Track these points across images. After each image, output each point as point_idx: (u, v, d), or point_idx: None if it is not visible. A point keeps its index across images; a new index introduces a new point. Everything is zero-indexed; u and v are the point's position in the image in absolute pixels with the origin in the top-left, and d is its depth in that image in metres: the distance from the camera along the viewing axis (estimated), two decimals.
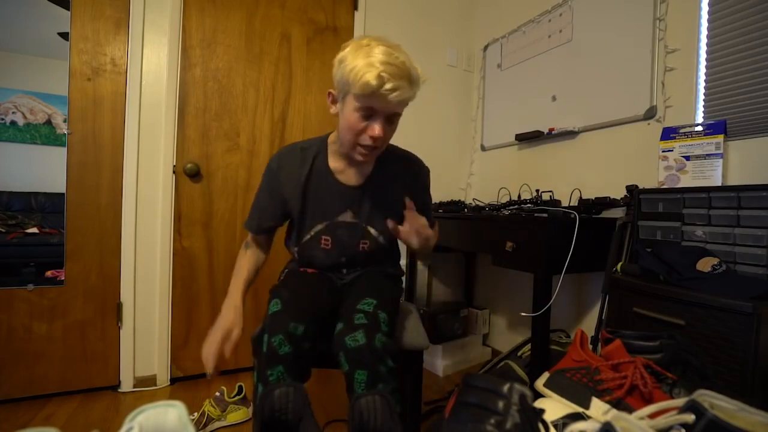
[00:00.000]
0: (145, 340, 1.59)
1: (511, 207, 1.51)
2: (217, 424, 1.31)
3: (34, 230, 2.47)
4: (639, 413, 0.44)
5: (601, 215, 1.42)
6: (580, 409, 0.60)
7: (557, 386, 0.66)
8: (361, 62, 0.78)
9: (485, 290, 2.16)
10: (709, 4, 1.21)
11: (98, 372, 1.53)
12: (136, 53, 1.53)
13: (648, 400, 0.56)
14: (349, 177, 1.01)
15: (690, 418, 0.38)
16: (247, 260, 1.04)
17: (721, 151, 1.13)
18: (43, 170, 2.69)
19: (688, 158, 1.19)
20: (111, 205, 1.53)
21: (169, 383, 1.62)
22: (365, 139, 0.86)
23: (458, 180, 2.28)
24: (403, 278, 1.25)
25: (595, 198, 1.41)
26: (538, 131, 1.78)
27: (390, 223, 0.90)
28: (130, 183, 1.54)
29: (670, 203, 1.14)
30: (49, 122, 2.72)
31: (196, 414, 1.31)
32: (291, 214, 1.03)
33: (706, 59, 1.22)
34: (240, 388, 1.39)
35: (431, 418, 1.37)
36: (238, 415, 1.35)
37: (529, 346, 1.46)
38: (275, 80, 1.79)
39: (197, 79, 1.64)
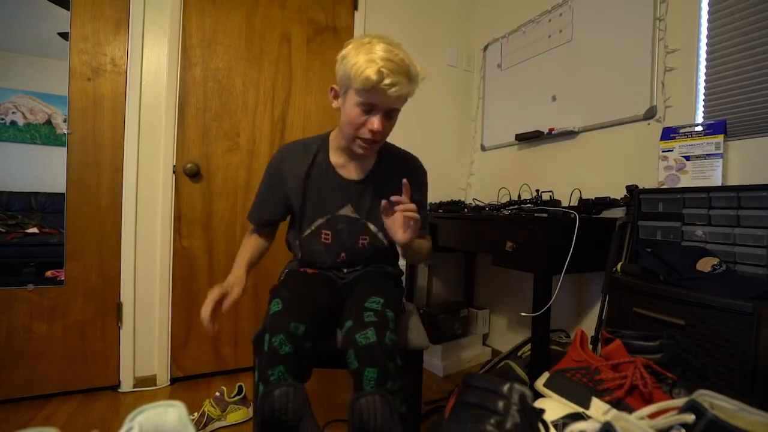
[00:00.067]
0: (145, 340, 1.59)
1: (511, 207, 1.51)
2: (217, 424, 1.31)
3: (34, 230, 2.47)
4: (639, 413, 0.44)
5: (601, 215, 1.42)
6: (580, 409, 0.60)
7: (557, 386, 0.66)
8: (362, 58, 0.82)
9: (485, 290, 2.16)
10: (709, 4, 1.21)
11: (98, 372, 1.53)
12: (136, 53, 1.53)
13: (648, 400, 0.56)
14: (350, 171, 1.03)
15: (690, 418, 0.38)
16: (251, 243, 1.07)
17: (721, 151, 1.13)
18: (43, 170, 2.69)
19: (688, 158, 1.19)
20: (111, 205, 1.53)
21: (169, 383, 1.62)
22: (365, 133, 0.90)
23: (458, 180, 2.28)
24: (403, 278, 1.26)
25: (595, 198, 1.41)
26: (538, 131, 1.78)
27: (383, 203, 0.87)
28: (130, 183, 1.54)
29: (670, 203, 1.14)
30: (49, 122, 2.72)
31: (196, 414, 1.31)
32: (292, 208, 1.05)
33: (706, 59, 1.22)
34: (240, 388, 1.39)
35: (431, 418, 1.37)
36: (238, 415, 1.35)
37: (529, 346, 1.46)
38: (275, 80, 1.79)
39: (197, 79, 1.64)
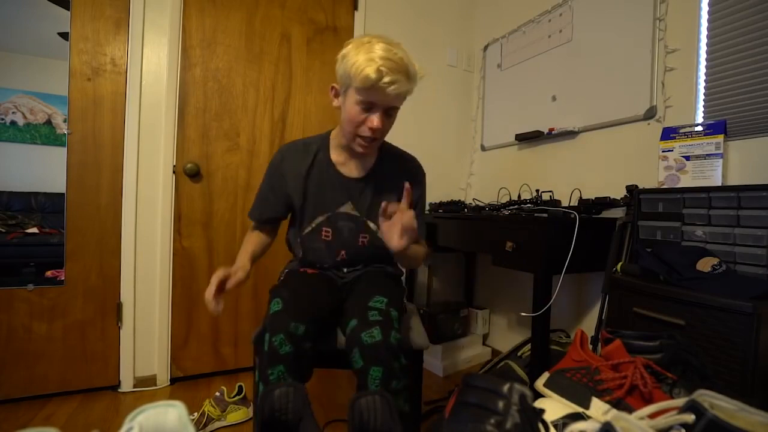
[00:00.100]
0: (145, 340, 1.59)
1: (511, 207, 1.51)
2: (217, 424, 1.31)
3: (34, 230, 2.47)
4: (639, 413, 0.44)
5: (601, 215, 1.42)
6: (580, 409, 0.60)
7: (557, 386, 0.66)
8: (362, 57, 0.83)
9: (485, 290, 2.16)
10: (709, 4, 1.21)
11: (98, 372, 1.53)
12: (136, 53, 1.53)
13: (648, 400, 0.56)
14: (350, 169, 1.04)
15: (690, 418, 0.38)
16: (253, 238, 1.08)
17: (721, 151, 1.13)
18: (43, 170, 2.69)
19: (688, 158, 1.19)
20: (111, 205, 1.53)
21: (169, 383, 1.62)
22: (365, 131, 0.91)
23: (458, 180, 2.28)
24: (403, 278, 1.26)
25: (595, 198, 1.41)
26: (538, 131, 1.78)
27: (383, 204, 0.87)
28: (130, 183, 1.54)
29: (670, 203, 1.14)
30: (49, 122, 2.72)
31: (196, 414, 1.31)
32: (293, 206, 1.05)
33: (706, 59, 1.22)
34: (240, 388, 1.39)
35: (431, 418, 1.37)
36: (238, 415, 1.34)
37: (529, 346, 1.46)
38: (275, 80, 1.79)
39: (197, 79, 1.64)
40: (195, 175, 1.64)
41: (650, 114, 1.37)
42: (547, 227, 1.22)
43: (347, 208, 1.03)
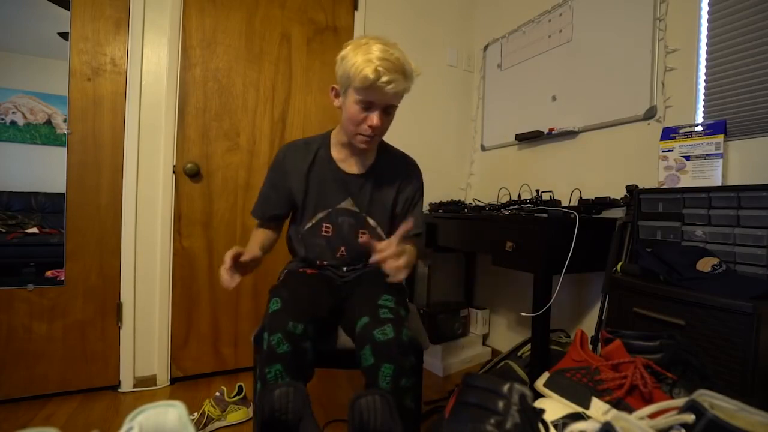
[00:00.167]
0: (145, 340, 1.59)
1: (511, 207, 1.51)
2: (217, 424, 1.31)
3: (34, 230, 2.47)
4: (639, 413, 0.44)
5: (601, 215, 1.42)
6: (580, 409, 0.60)
7: (557, 386, 0.66)
8: (360, 58, 0.86)
9: (485, 290, 2.16)
10: (709, 4, 1.21)
11: (98, 372, 1.53)
12: (136, 53, 1.53)
13: (648, 400, 0.56)
14: (350, 166, 1.07)
15: (690, 418, 0.38)
16: (260, 234, 1.09)
17: (721, 151, 1.13)
18: (43, 170, 2.69)
19: (688, 158, 1.19)
20: (111, 205, 1.53)
21: (169, 383, 1.62)
22: (365, 129, 0.94)
23: (458, 180, 2.28)
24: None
25: (595, 198, 1.41)
26: (538, 131, 1.78)
27: (364, 239, 0.88)
28: (130, 183, 1.54)
29: (670, 203, 1.14)
30: (49, 122, 2.72)
31: (196, 414, 1.31)
32: (295, 203, 1.07)
33: (706, 59, 1.22)
34: (240, 388, 1.39)
35: (431, 418, 1.37)
36: (238, 415, 1.34)
37: (529, 346, 1.46)
38: (275, 80, 1.79)
39: (197, 79, 1.64)
40: (195, 175, 1.64)
41: (650, 114, 1.37)
42: (547, 227, 1.22)
43: (347, 204, 1.06)
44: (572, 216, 1.24)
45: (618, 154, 1.49)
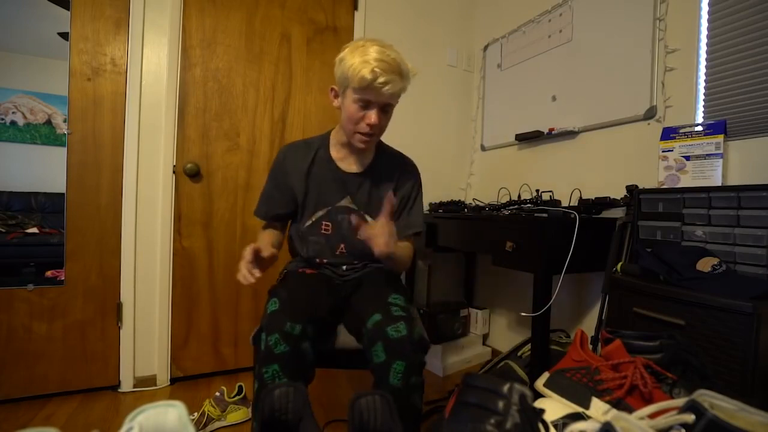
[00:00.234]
0: (145, 340, 1.59)
1: (511, 207, 1.51)
2: (217, 424, 1.31)
3: (34, 230, 2.47)
4: (639, 413, 0.44)
5: (601, 215, 1.42)
6: (580, 409, 0.60)
7: (557, 386, 0.66)
8: (357, 60, 0.89)
9: (485, 290, 2.16)
10: (709, 4, 1.21)
11: (98, 372, 1.53)
12: (136, 53, 1.53)
13: (648, 400, 0.56)
14: (349, 165, 1.09)
15: (690, 418, 0.38)
16: (267, 233, 1.11)
17: (721, 151, 1.13)
18: (43, 170, 2.69)
19: (688, 158, 1.19)
20: (111, 205, 1.53)
21: (169, 383, 1.62)
22: (363, 127, 0.97)
23: (458, 180, 2.28)
24: (402, 278, 1.26)
25: (595, 198, 1.41)
26: (538, 131, 1.78)
27: (354, 219, 0.90)
28: (130, 183, 1.54)
29: (670, 203, 1.14)
30: (49, 122, 2.72)
31: (196, 414, 1.31)
32: (297, 202, 1.08)
33: (706, 59, 1.22)
34: (240, 388, 1.39)
35: (431, 418, 1.37)
36: (238, 415, 1.35)
37: (529, 346, 1.46)
38: (275, 80, 1.79)
39: (197, 79, 1.64)
40: (195, 175, 1.64)
41: (650, 114, 1.37)
42: (547, 227, 1.22)
43: (346, 202, 1.07)
44: (572, 216, 1.24)
45: (618, 154, 1.49)
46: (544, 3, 1.79)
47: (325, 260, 1.07)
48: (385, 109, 0.97)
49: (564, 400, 0.63)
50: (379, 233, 0.87)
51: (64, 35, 1.48)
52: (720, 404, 0.40)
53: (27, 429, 0.31)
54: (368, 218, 1.07)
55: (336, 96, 1.01)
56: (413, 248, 1.13)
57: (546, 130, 1.75)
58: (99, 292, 1.53)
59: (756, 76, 1.10)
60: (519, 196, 1.74)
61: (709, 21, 1.21)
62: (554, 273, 1.22)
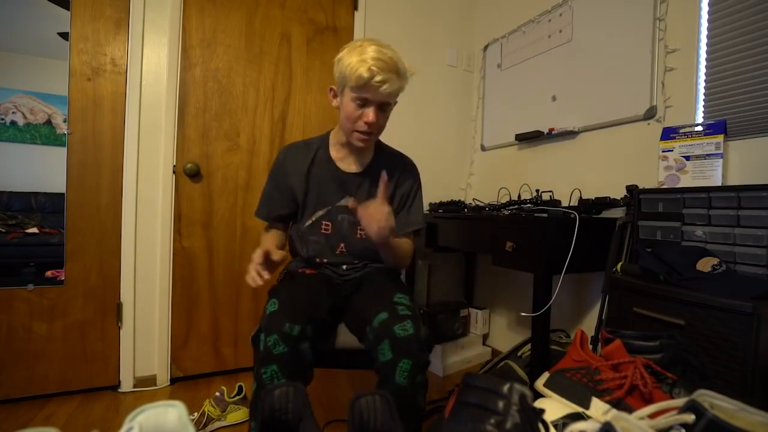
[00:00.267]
0: (145, 340, 1.59)
1: (511, 207, 1.51)
2: (217, 424, 1.31)
3: (34, 230, 2.47)
4: (639, 413, 0.44)
5: (601, 215, 1.42)
6: (580, 409, 0.60)
7: (557, 386, 0.66)
8: (355, 59, 0.91)
9: (485, 290, 2.16)
10: (709, 4, 1.21)
11: (98, 372, 1.53)
12: (136, 53, 1.53)
13: (648, 400, 0.56)
14: (349, 164, 1.09)
15: (690, 418, 0.38)
16: (269, 236, 1.11)
17: (721, 151, 1.13)
18: (43, 170, 2.69)
19: (688, 158, 1.19)
20: (111, 205, 1.53)
21: (169, 383, 1.62)
22: (361, 126, 0.97)
23: (458, 180, 2.28)
24: (402, 277, 1.27)
25: (595, 198, 1.41)
26: (538, 131, 1.78)
27: (351, 202, 0.91)
28: (130, 183, 1.54)
29: (670, 203, 1.14)
30: (49, 122, 2.72)
31: (196, 414, 1.31)
32: (298, 202, 1.09)
33: (706, 59, 1.22)
34: (240, 388, 1.39)
35: (431, 418, 1.37)
36: (238, 415, 1.35)
37: (529, 346, 1.46)
38: (275, 80, 1.79)
39: (197, 79, 1.64)
40: (195, 175, 1.64)
41: (650, 114, 1.37)
42: (547, 227, 1.22)
43: (346, 201, 1.07)
44: (572, 216, 1.24)
45: (618, 154, 1.49)
46: (544, 3, 1.79)
47: (325, 260, 1.08)
48: (383, 108, 0.97)
49: (564, 400, 0.63)
50: (374, 212, 0.88)
51: (64, 35, 1.48)
52: (720, 404, 0.40)
53: (27, 429, 0.31)
54: None
55: (335, 96, 1.02)
56: (413, 246, 1.13)
57: (546, 130, 1.75)
58: (99, 292, 1.53)
59: (756, 76, 1.10)
60: (519, 196, 1.74)
61: (709, 21, 1.21)
62: (554, 273, 1.22)
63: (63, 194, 1.48)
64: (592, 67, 1.58)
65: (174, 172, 1.61)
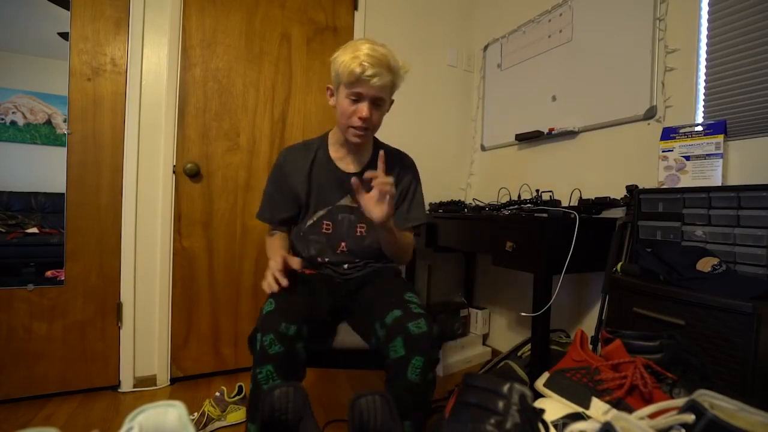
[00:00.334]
0: (145, 340, 1.59)
1: (511, 207, 1.51)
2: (217, 424, 1.31)
3: (34, 230, 2.47)
4: (639, 413, 0.44)
5: (601, 215, 1.42)
6: (580, 409, 0.60)
7: (557, 386, 0.66)
8: (348, 56, 0.93)
9: (485, 290, 2.16)
10: (709, 4, 1.21)
11: (98, 372, 1.53)
12: (136, 53, 1.53)
13: (648, 400, 0.56)
14: (348, 164, 1.10)
15: (690, 418, 0.38)
16: (277, 238, 1.11)
17: (721, 151, 1.13)
18: (43, 170, 2.69)
19: (688, 158, 1.19)
20: (111, 205, 1.53)
21: (169, 383, 1.62)
22: (355, 121, 0.98)
23: (458, 180, 2.28)
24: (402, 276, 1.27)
25: (595, 198, 1.41)
26: (538, 131, 1.78)
27: (353, 180, 0.90)
28: (130, 183, 1.54)
29: (670, 203, 1.14)
30: (49, 122, 2.72)
31: (196, 414, 1.31)
32: (300, 203, 1.09)
33: (706, 59, 1.22)
34: (240, 388, 1.39)
35: (431, 418, 1.37)
36: (238, 415, 1.34)
37: (529, 346, 1.46)
38: (275, 80, 1.78)
39: (197, 79, 1.64)
40: (195, 175, 1.64)
41: (650, 114, 1.37)
42: (547, 227, 1.22)
43: (346, 200, 1.08)
44: (572, 216, 1.24)
45: (618, 154, 1.49)
46: (544, 3, 1.79)
47: (326, 259, 1.08)
48: (377, 103, 0.98)
49: (564, 400, 0.63)
50: (376, 185, 0.87)
51: (64, 35, 1.47)
52: (720, 404, 0.40)
53: (27, 429, 0.31)
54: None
55: (332, 95, 1.04)
56: (414, 242, 1.13)
57: (546, 130, 1.75)
58: (99, 292, 1.53)
59: (756, 76, 1.10)
60: (519, 196, 1.74)
61: (709, 21, 1.21)
62: (554, 273, 1.22)
63: (63, 194, 1.48)
64: (592, 67, 1.58)
65: (174, 172, 1.61)
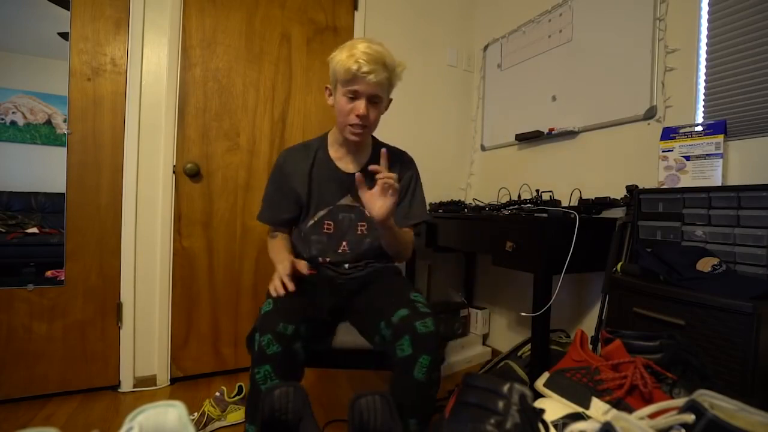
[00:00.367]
0: (145, 340, 1.59)
1: (511, 207, 1.51)
2: (217, 424, 1.31)
3: (34, 230, 2.47)
4: (639, 413, 0.44)
5: (601, 215, 1.42)
6: (580, 409, 0.60)
7: (557, 386, 0.66)
8: (344, 55, 0.95)
9: (485, 290, 2.16)
10: (709, 4, 1.21)
11: (98, 372, 1.53)
12: (136, 53, 1.53)
13: (648, 400, 0.56)
14: (347, 164, 1.10)
15: (690, 418, 0.38)
16: (279, 240, 1.11)
17: (721, 151, 1.13)
18: (43, 170, 2.69)
19: (688, 158, 1.19)
20: (111, 205, 1.53)
21: (169, 383, 1.62)
22: (352, 119, 0.99)
23: (458, 180, 2.28)
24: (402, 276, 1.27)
25: (595, 198, 1.41)
26: (538, 131, 1.78)
27: (357, 176, 0.91)
28: (130, 183, 1.54)
29: (670, 203, 1.14)
30: (49, 122, 2.72)
31: (196, 414, 1.31)
32: (301, 203, 1.09)
33: (706, 59, 1.22)
34: (240, 388, 1.39)
35: (431, 418, 1.37)
36: (238, 415, 1.34)
37: (529, 346, 1.46)
38: (275, 80, 1.78)
39: (197, 79, 1.64)
40: (195, 175, 1.64)
41: (650, 114, 1.37)
42: (547, 227, 1.22)
43: (347, 200, 1.09)
44: (572, 216, 1.24)
45: (618, 154, 1.49)
46: (544, 3, 1.79)
47: (328, 259, 1.08)
48: (373, 101, 0.99)
49: (564, 400, 0.63)
50: (379, 178, 0.88)
51: (64, 35, 1.47)
52: (720, 404, 0.40)
53: (27, 429, 0.31)
54: (368, 214, 1.08)
55: (330, 94, 1.05)
56: (413, 240, 1.13)
57: (546, 130, 1.75)
58: (99, 292, 1.53)
59: (756, 76, 1.10)
60: (519, 196, 1.74)
61: (709, 21, 1.21)
62: (554, 273, 1.22)
63: (63, 194, 1.48)
64: (592, 67, 1.58)
65: (174, 172, 1.61)
